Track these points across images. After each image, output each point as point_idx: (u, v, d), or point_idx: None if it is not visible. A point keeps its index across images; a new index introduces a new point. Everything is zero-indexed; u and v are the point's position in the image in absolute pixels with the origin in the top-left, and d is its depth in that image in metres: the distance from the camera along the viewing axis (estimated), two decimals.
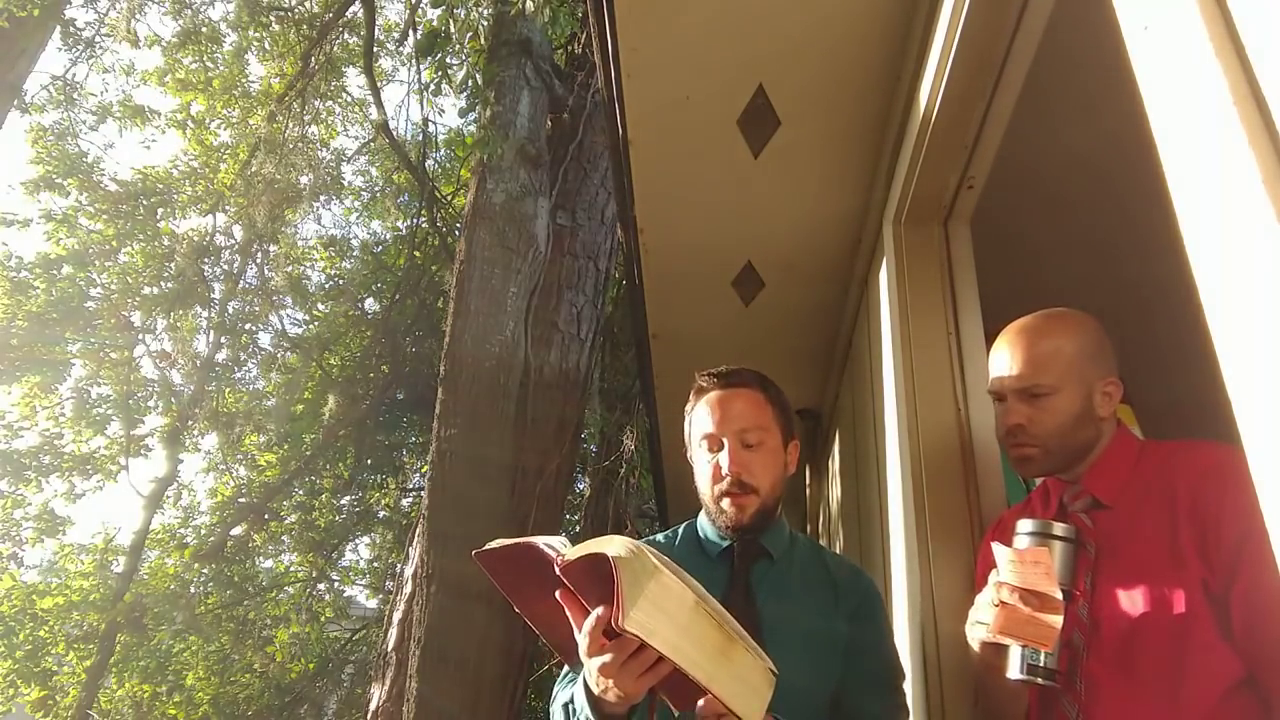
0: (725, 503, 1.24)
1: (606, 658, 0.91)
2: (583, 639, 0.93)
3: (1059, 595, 1.02)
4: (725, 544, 1.28)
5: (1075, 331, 1.22)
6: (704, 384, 1.32)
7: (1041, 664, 1.04)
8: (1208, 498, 1.04)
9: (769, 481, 1.26)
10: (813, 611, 1.24)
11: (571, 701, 1.05)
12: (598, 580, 0.89)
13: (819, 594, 1.28)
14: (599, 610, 0.91)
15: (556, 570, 0.89)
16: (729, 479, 1.23)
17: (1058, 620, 1.01)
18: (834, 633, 1.24)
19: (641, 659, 0.91)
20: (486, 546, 0.96)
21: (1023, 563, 1.04)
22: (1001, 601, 1.05)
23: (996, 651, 1.09)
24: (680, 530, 1.37)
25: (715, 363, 1.35)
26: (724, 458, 1.24)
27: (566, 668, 1.19)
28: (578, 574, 0.90)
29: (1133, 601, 1.07)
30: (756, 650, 0.95)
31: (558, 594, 0.96)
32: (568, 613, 0.96)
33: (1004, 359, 1.24)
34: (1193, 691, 0.99)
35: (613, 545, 0.88)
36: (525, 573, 0.98)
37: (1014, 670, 1.06)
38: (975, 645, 1.13)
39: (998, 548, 1.08)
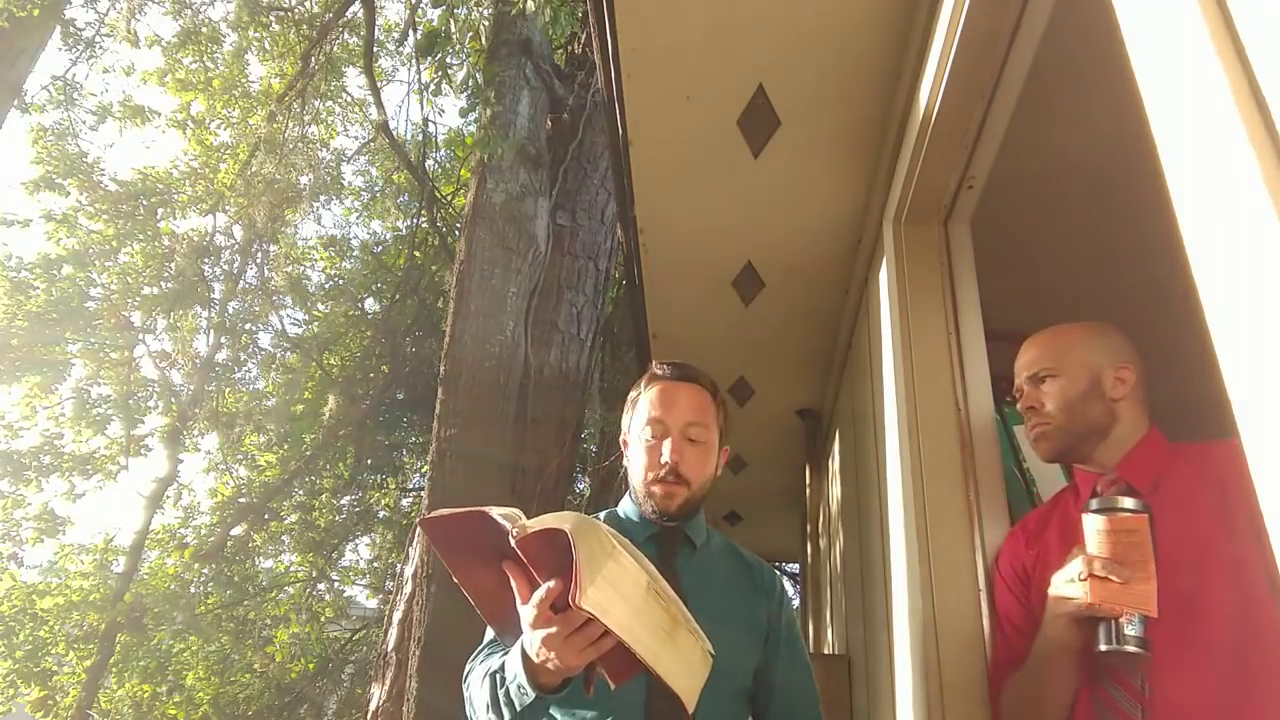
0: (657, 489, 1.27)
1: (552, 630, 0.93)
2: (528, 610, 0.95)
3: (1152, 563, 1.04)
4: (651, 530, 1.31)
5: (1083, 328, 1.33)
6: (659, 372, 1.35)
7: (1130, 633, 1.05)
8: None
9: (701, 477, 1.30)
10: (734, 598, 1.30)
11: (501, 670, 1.06)
12: (553, 554, 0.90)
13: (739, 583, 1.34)
14: (550, 584, 0.92)
15: (511, 542, 0.89)
16: (667, 467, 1.27)
17: (1153, 588, 1.03)
18: (755, 621, 1.30)
19: (586, 633, 0.92)
20: (433, 513, 0.97)
21: (1115, 531, 1.06)
22: (1092, 574, 1.06)
23: (1079, 628, 1.11)
24: (601, 517, 1.38)
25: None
26: (666, 446, 1.27)
27: (484, 643, 1.23)
28: (533, 547, 0.90)
29: (1191, 577, 1.08)
30: (698, 632, 0.98)
31: (504, 565, 0.97)
32: (512, 584, 0.97)
33: (1020, 359, 1.36)
34: (1261, 657, 1.01)
35: (571, 522, 0.89)
36: (469, 541, 0.99)
37: (1102, 643, 1.07)
38: (1058, 625, 1.13)
39: (1090, 519, 1.10)
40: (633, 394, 1.38)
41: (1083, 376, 1.27)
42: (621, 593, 0.89)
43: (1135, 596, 1.03)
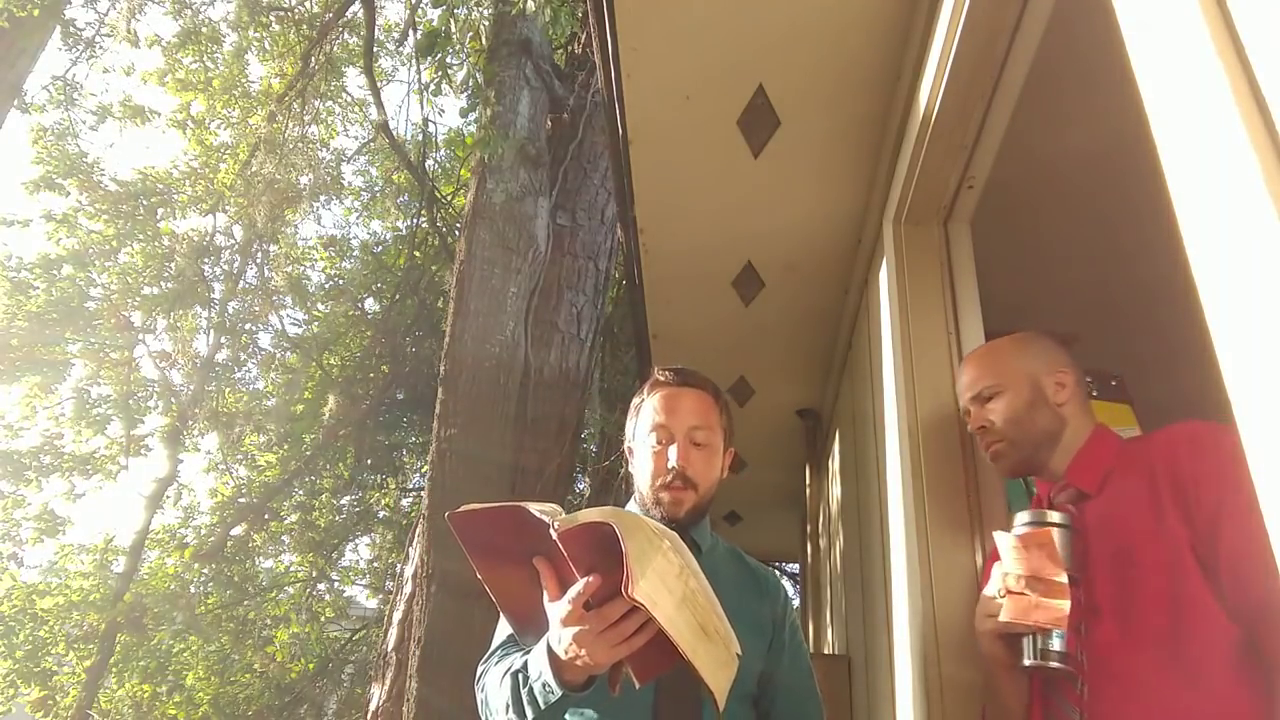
0: (665, 495, 1.28)
1: (585, 627, 0.93)
2: (560, 606, 0.94)
3: (1064, 578, 1.04)
4: None
5: (1013, 342, 1.35)
6: (661, 378, 1.36)
7: (1054, 648, 1.05)
8: (1184, 463, 1.07)
9: (708, 481, 1.31)
10: (741, 602, 1.30)
11: (523, 669, 1.06)
12: (593, 550, 0.91)
13: (745, 587, 1.35)
14: (588, 579, 0.92)
15: (553, 535, 0.89)
16: (674, 472, 1.27)
17: (1065, 603, 1.03)
18: (761, 625, 1.31)
19: (620, 630, 0.92)
20: (464, 508, 0.96)
21: (1026, 548, 1.06)
22: (1008, 590, 1.07)
23: (1006, 643, 1.12)
24: None
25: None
26: (673, 451, 1.28)
27: (495, 645, 1.23)
28: (575, 541, 0.90)
29: (1125, 577, 1.09)
30: (728, 631, 0.98)
31: (535, 561, 0.97)
32: (543, 580, 0.97)
33: (960, 381, 1.38)
34: (1195, 652, 1.01)
35: (616, 517, 0.89)
36: (498, 538, 0.99)
37: (1026, 658, 1.07)
38: (984, 641, 1.15)
39: (1000, 536, 1.11)
40: (635, 401, 1.39)
41: (1024, 387, 1.28)
42: (667, 586, 0.89)
43: (1046, 613, 1.03)
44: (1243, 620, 0.99)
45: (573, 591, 0.93)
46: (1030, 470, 1.29)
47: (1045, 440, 1.25)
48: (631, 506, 1.37)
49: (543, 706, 1.02)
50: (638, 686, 1.00)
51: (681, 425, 1.30)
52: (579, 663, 0.96)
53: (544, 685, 1.01)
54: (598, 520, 0.89)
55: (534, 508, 0.93)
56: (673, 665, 0.93)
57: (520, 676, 1.06)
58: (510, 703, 1.07)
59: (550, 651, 0.99)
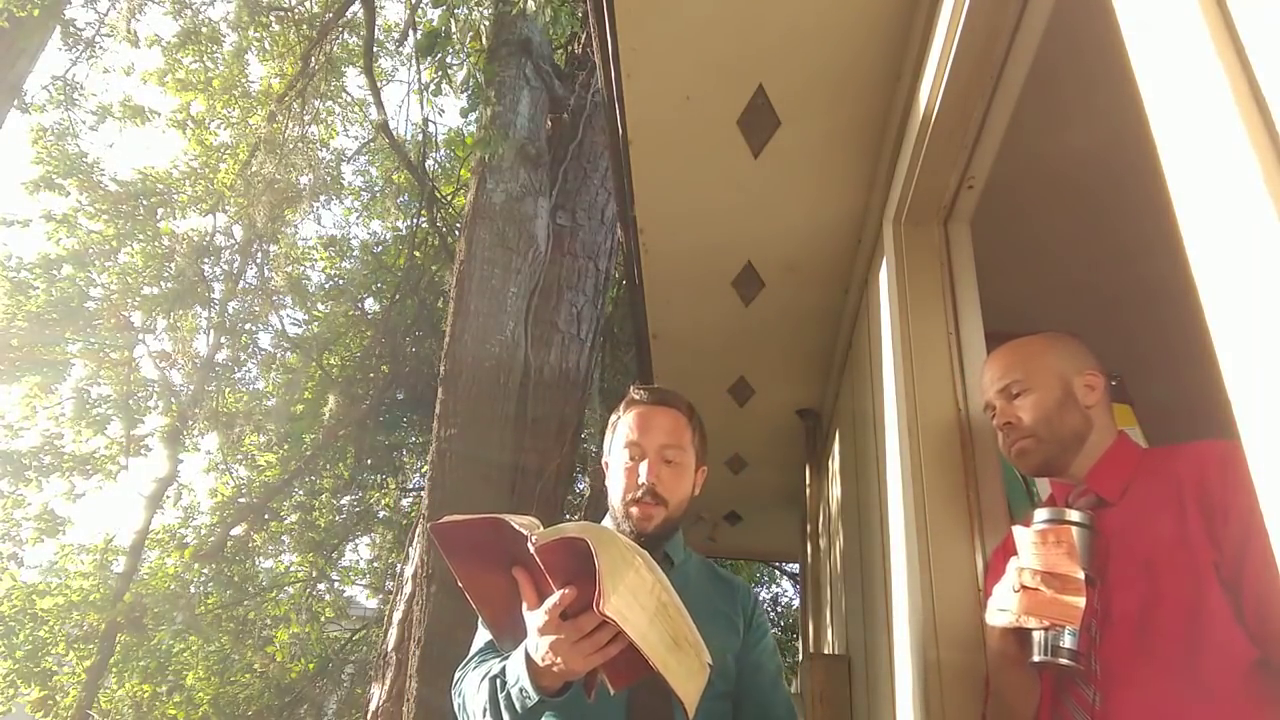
0: (634, 509, 1.31)
1: (560, 636, 0.96)
2: (538, 616, 0.98)
3: (1080, 575, 1.04)
4: None
5: (1044, 340, 1.34)
6: (636, 396, 1.41)
7: (1064, 645, 1.04)
8: (1214, 484, 1.06)
9: (678, 497, 1.34)
10: (713, 613, 1.34)
11: (501, 674, 1.09)
12: (569, 563, 0.94)
13: (717, 599, 1.39)
14: (564, 591, 0.95)
15: (531, 549, 0.92)
16: (644, 488, 1.30)
17: (1080, 600, 1.03)
18: (734, 625, 1.36)
19: (595, 639, 0.96)
20: (445, 519, 0.99)
21: (1044, 544, 1.06)
22: (1024, 585, 1.07)
23: (1017, 639, 1.11)
24: None
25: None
26: (643, 467, 1.32)
27: (473, 652, 1.27)
28: (551, 554, 0.94)
29: (1144, 587, 1.08)
30: (698, 641, 1.01)
31: (514, 570, 1.01)
32: (521, 589, 1.01)
33: (986, 375, 1.37)
34: (1211, 667, 1.00)
35: (592, 533, 0.92)
36: (478, 547, 1.03)
37: (1036, 653, 1.07)
38: (994, 635, 1.15)
39: (1019, 531, 1.10)
40: (612, 418, 1.43)
41: (1055, 386, 1.27)
42: (639, 601, 0.93)
43: (1061, 609, 1.03)
44: (1263, 647, 0.98)
45: (549, 602, 0.97)
46: (1053, 470, 1.28)
47: (1073, 440, 1.25)
48: (607, 522, 1.40)
49: (520, 710, 1.05)
50: (612, 693, 1.03)
51: (653, 443, 1.33)
52: (555, 669, 0.99)
53: (521, 690, 1.04)
54: (574, 536, 0.92)
55: (514, 520, 0.96)
56: (646, 673, 0.96)
57: (498, 681, 1.09)
58: (488, 706, 1.10)
59: (528, 658, 1.03)
